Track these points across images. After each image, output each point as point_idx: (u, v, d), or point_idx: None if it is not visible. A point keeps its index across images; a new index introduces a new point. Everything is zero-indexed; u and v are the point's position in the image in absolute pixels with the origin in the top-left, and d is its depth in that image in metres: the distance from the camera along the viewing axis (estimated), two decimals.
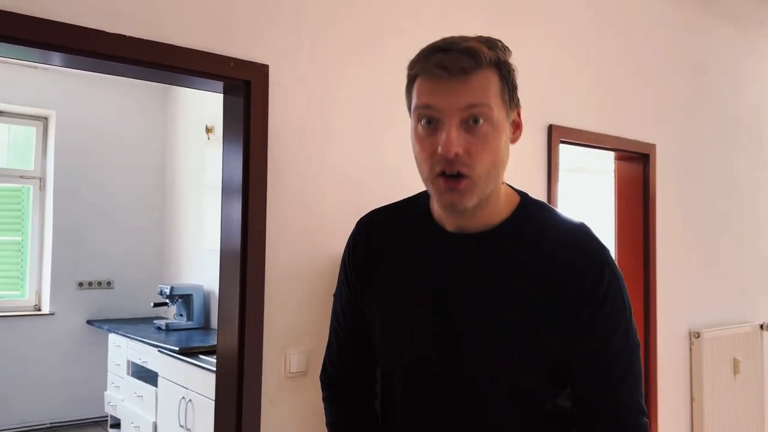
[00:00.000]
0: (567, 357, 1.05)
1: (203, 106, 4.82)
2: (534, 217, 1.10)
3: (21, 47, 1.74)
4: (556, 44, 3.03)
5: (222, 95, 2.20)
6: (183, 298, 4.53)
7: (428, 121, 0.99)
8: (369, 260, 1.18)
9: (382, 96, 2.38)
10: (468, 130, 0.97)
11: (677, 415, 3.53)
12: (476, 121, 0.97)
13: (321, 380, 1.30)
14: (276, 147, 2.12)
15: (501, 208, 1.08)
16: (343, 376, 1.27)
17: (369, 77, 2.36)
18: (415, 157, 1.03)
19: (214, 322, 4.46)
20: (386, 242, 1.17)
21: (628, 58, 3.39)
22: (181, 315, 4.58)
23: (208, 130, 4.68)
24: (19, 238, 5.08)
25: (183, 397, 3.65)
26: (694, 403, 3.62)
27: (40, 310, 5.03)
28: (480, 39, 1.00)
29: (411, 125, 1.04)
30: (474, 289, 1.06)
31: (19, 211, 5.09)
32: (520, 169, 2.79)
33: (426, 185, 1.04)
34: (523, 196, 1.14)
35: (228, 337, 2.10)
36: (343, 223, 2.24)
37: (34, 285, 5.07)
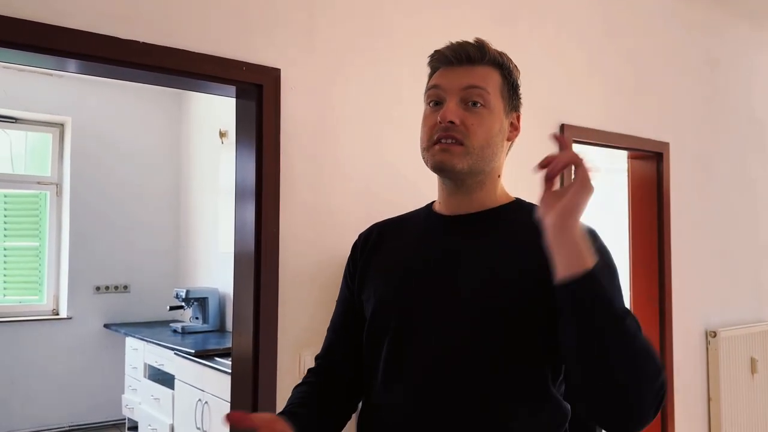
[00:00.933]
0: (539, 323, 1.04)
1: (217, 111, 4.85)
2: (528, 209, 1.14)
3: (37, 54, 1.77)
4: (568, 42, 3.02)
5: (234, 99, 2.22)
6: (198, 301, 4.56)
7: (435, 102, 1.14)
8: (368, 252, 1.26)
9: (393, 99, 2.39)
10: (467, 108, 1.11)
11: (694, 415, 3.50)
12: (475, 103, 1.11)
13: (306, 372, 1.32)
14: (288, 150, 2.14)
15: (497, 197, 1.18)
16: (324, 370, 1.29)
17: (380, 81, 2.37)
18: (421, 137, 1.15)
19: (229, 324, 4.48)
20: (387, 235, 1.27)
21: (640, 55, 3.38)
22: (196, 318, 4.61)
23: (222, 135, 4.71)
24: (37, 244, 5.15)
25: (199, 400, 3.68)
26: (711, 403, 3.59)
27: (58, 314, 5.09)
28: (486, 42, 1.16)
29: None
30: (459, 264, 1.12)
31: (37, 216, 5.16)
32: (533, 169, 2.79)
33: (423, 157, 1.15)
34: (519, 199, 1.23)
35: (243, 339, 2.12)
36: (355, 225, 2.25)
37: (51, 290, 5.13)
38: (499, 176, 1.19)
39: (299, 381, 1.32)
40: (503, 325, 1.06)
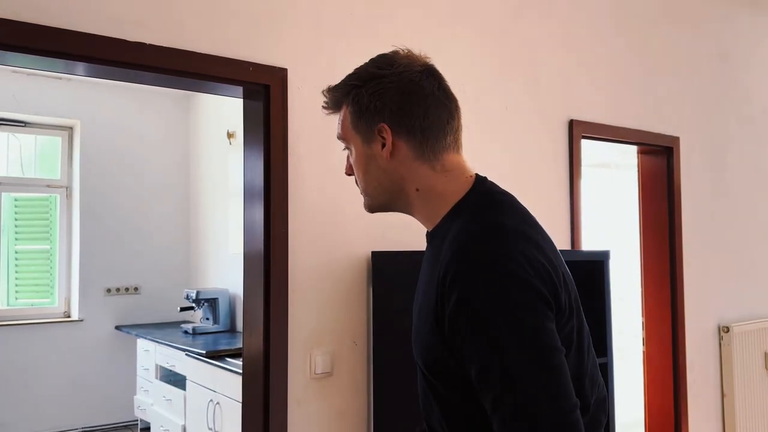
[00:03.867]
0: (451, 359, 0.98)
1: (224, 112, 4.86)
2: (455, 217, 1.05)
3: (46, 58, 1.78)
4: (576, 37, 3.00)
5: (242, 100, 2.21)
6: (209, 302, 4.57)
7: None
8: None
9: None
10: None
11: (708, 411, 3.47)
12: (346, 147, 1.16)
13: None
14: (296, 150, 2.13)
15: (438, 211, 1.09)
16: None
17: None
18: None
19: (240, 325, 4.49)
20: None
21: (649, 49, 3.35)
22: (207, 319, 4.62)
23: (230, 136, 4.72)
24: (48, 247, 5.18)
25: (211, 400, 3.69)
26: (725, 399, 3.56)
27: (69, 316, 5.12)
28: (350, 74, 1.14)
29: None
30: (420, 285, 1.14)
31: (47, 219, 5.19)
32: (542, 166, 2.78)
33: None
34: (468, 196, 1.08)
35: (253, 339, 2.12)
36: (364, 224, 2.25)
37: (63, 292, 5.16)
38: (417, 190, 1.08)
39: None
40: (426, 369, 1.05)
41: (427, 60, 1.12)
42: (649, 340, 3.42)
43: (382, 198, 1.14)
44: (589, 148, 3.13)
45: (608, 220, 5.06)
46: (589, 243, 2.98)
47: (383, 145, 1.08)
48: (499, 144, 2.60)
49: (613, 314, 2.53)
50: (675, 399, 3.30)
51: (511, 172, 2.61)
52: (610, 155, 4.93)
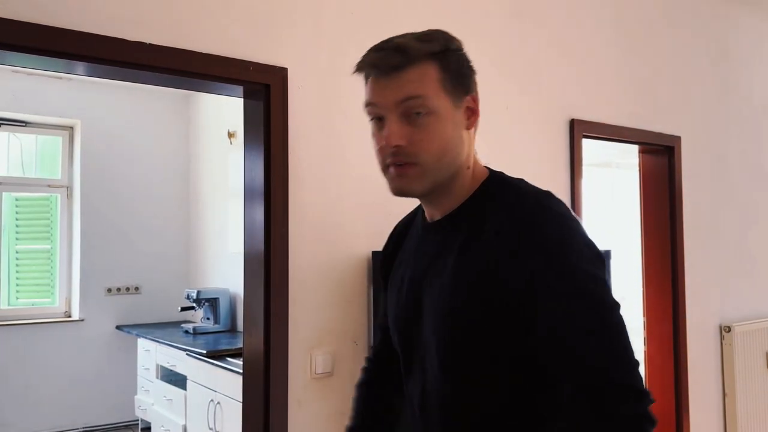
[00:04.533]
0: (515, 341, 0.97)
1: (225, 111, 4.85)
2: (491, 196, 1.06)
3: (46, 58, 1.78)
4: (577, 36, 3.00)
5: (242, 100, 2.21)
6: (209, 302, 4.57)
7: (377, 118, 1.04)
8: (386, 263, 1.29)
9: None
10: (411, 122, 1.01)
11: (710, 411, 3.47)
12: (417, 113, 1.00)
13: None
14: (296, 149, 2.13)
15: (463, 194, 1.08)
16: (373, 366, 1.38)
17: None
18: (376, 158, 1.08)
19: (240, 324, 4.49)
20: (398, 243, 1.27)
21: (650, 48, 3.35)
22: (207, 318, 4.62)
23: (230, 135, 4.72)
24: (49, 246, 5.17)
25: (211, 400, 3.69)
26: (726, 399, 3.56)
27: (70, 316, 5.11)
28: (415, 34, 1.04)
29: None
30: (433, 273, 1.08)
31: (48, 219, 5.18)
32: (543, 165, 2.77)
33: (384, 176, 1.08)
34: (492, 176, 1.11)
35: (254, 339, 2.12)
36: (364, 224, 2.25)
37: (64, 292, 5.16)
38: (468, 168, 1.08)
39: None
40: (454, 326, 1.02)
41: None
42: (650, 340, 3.42)
43: (441, 175, 1.03)
44: (590, 147, 3.12)
45: (609, 219, 5.06)
46: None
47: (468, 117, 1.06)
48: (499, 143, 2.59)
49: None
50: (676, 399, 3.29)
51: (511, 171, 2.60)
52: (611, 155, 4.93)
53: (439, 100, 1.01)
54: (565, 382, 0.91)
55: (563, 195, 2.84)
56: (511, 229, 0.98)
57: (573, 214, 1.02)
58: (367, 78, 1.06)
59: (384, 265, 1.29)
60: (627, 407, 0.86)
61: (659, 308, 3.38)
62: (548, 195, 1.04)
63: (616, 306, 0.94)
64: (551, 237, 0.95)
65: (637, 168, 3.56)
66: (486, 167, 1.12)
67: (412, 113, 1.00)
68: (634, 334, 3.68)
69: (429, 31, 1.05)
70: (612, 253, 2.50)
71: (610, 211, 5.11)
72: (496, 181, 1.09)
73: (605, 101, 3.09)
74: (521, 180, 1.09)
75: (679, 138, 3.40)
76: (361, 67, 1.05)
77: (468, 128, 1.06)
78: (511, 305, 0.95)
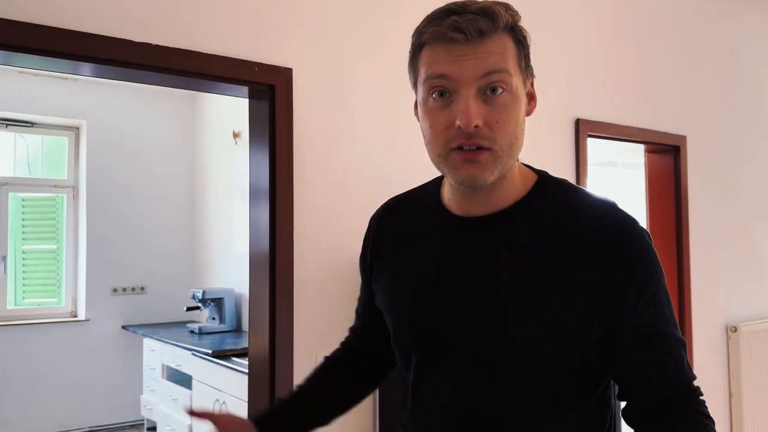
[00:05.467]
0: (594, 339, 0.94)
1: (229, 112, 4.86)
2: (552, 197, 0.99)
3: (52, 59, 1.78)
4: (583, 35, 2.99)
5: (247, 100, 2.22)
6: (215, 302, 4.58)
7: (441, 93, 0.91)
8: (377, 254, 1.15)
9: (406, 98, 2.37)
10: (486, 100, 0.89)
11: (715, 411, 3.43)
12: (494, 90, 0.89)
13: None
14: (301, 149, 2.13)
15: (514, 189, 0.99)
16: (348, 349, 1.31)
17: (392, 79, 2.36)
18: (424, 134, 0.96)
19: (245, 324, 4.49)
20: (396, 232, 1.13)
21: (656, 46, 3.34)
22: (213, 318, 4.62)
23: (235, 135, 4.73)
24: (55, 247, 5.19)
25: (217, 400, 3.69)
26: (732, 399, 3.54)
27: (76, 316, 5.13)
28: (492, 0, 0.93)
29: (418, 99, 0.97)
30: (475, 273, 0.98)
31: (54, 219, 5.20)
32: (548, 165, 2.76)
33: (437, 163, 0.96)
34: (542, 175, 1.04)
35: (259, 339, 2.12)
36: None
37: (70, 292, 5.17)
38: (517, 160, 1.00)
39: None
40: (559, 366, 0.96)
41: None
42: None
43: (511, 161, 0.94)
44: (595, 146, 3.11)
45: None
46: None
47: (529, 102, 0.97)
48: None
49: None
50: None
51: None
52: (615, 154, 4.91)
53: (517, 78, 0.91)
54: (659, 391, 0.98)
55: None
56: (604, 237, 0.93)
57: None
58: (424, 44, 0.93)
59: (372, 256, 1.15)
60: (705, 408, 1.03)
61: None
62: (613, 203, 1.01)
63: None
64: (644, 256, 0.95)
65: (642, 167, 3.55)
66: (520, 163, 1.04)
67: (488, 90, 0.89)
68: None
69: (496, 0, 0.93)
70: None
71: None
72: (551, 181, 1.03)
73: (611, 100, 3.08)
74: (573, 183, 1.07)
75: (684, 137, 3.39)
76: (435, 32, 0.90)
77: (528, 114, 0.97)
78: (599, 314, 0.93)
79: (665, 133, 3.30)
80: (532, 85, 0.98)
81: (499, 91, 0.89)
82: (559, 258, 0.93)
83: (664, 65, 3.37)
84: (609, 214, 0.96)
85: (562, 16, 2.91)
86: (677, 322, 0.99)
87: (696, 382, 1.02)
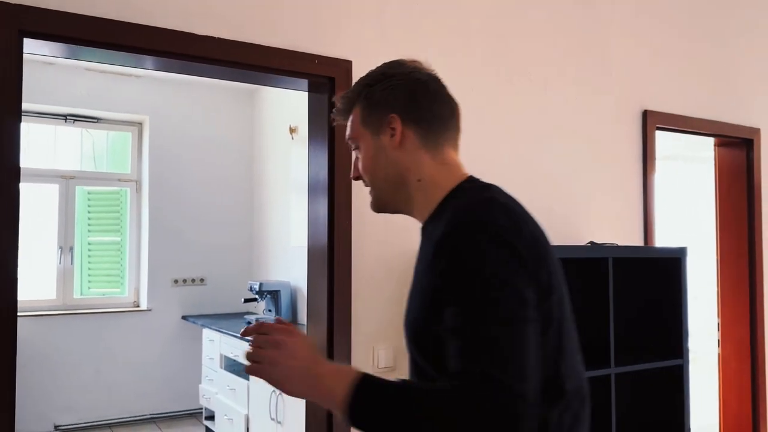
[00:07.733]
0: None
1: (287, 107, 4.90)
2: (450, 200, 1.13)
3: (117, 52, 1.82)
4: (650, 23, 2.88)
5: (307, 93, 2.21)
6: (271, 294, 4.63)
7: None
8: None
9: (466, 88, 2.33)
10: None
11: None
12: (356, 147, 1.21)
13: None
14: None
15: (434, 202, 1.15)
16: None
17: (451, 70, 2.32)
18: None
19: (300, 317, 4.53)
20: None
21: (727, 33, 3.18)
22: (269, 310, 4.68)
23: (292, 130, 4.77)
24: (119, 239, 5.35)
25: (274, 391, 3.73)
26: None
27: (138, 306, 5.28)
28: (371, 72, 1.21)
29: None
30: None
31: (118, 212, 5.36)
32: (614, 158, 2.67)
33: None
34: (459, 185, 1.15)
35: (317, 331, 2.12)
36: None
37: (132, 282, 5.33)
38: (419, 180, 1.15)
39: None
40: (414, 344, 1.10)
41: (433, 71, 1.22)
42: (725, 342, 3.26)
43: (388, 192, 1.18)
44: (657, 139, 3.00)
45: (676, 214, 4.86)
46: (660, 239, 2.86)
47: (392, 135, 1.15)
48: (569, 136, 2.51)
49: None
50: (753, 404, 3.14)
51: (582, 164, 2.52)
52: (677, 147, 4.73)
53: (364, 136, 1.18)
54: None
55: (635, 189, 2.74)
56: (442, 226, 1.04)
57: (510, 216, 1.03)
58: None
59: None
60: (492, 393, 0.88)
61: (735, 309, 3.22)
62: (484, 201, 1.07)
63: (514, 305, 0.94)
64: (460, 241, 1.00)
65: (712, 161, 3.40)
66: (469, 176, 1.17)
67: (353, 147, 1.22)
68: (708, 335, 3.53)
69: (372, 71, 1.22)
70: (687, 250, 2.40)
71: (675, 206, 4.92)
72: (463, 186, 1.15)
73: (679, 91, 2.96)
74: (485, 186, 1.14)
75: (758, 130, 3.24)
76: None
77: (396, 146, 1.15)
78: (439, 293, 1.01)
79: (737, 126, 3.15)
80: (391, 120, 1.15)
81: (356, 147, 1.21)
82: (429, 253, 1.07)
83: (736, 54, 3.21)
84: (461, 210, 1.07)
85: (628, 5, 2.81)
86: (509, 317, 0.92)
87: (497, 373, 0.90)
